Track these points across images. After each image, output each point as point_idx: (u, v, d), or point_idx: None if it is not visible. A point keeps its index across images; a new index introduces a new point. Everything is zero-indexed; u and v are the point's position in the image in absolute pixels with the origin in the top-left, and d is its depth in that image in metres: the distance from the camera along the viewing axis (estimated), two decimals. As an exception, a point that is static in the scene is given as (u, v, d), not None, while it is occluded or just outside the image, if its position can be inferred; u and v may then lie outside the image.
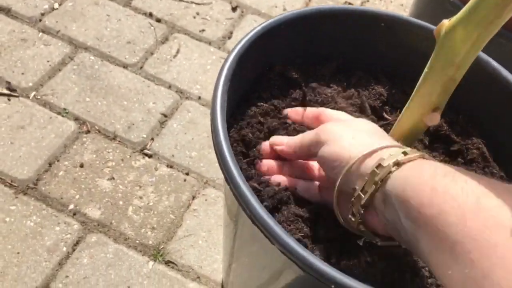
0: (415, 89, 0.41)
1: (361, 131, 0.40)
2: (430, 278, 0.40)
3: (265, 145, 0.47)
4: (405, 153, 0.35)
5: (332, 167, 0.39)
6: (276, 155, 0.47)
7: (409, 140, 0.45)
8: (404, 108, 0.43)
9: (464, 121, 0.56)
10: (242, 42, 0.48)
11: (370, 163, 0.36)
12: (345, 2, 1.30)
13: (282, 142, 0.46)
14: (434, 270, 0.30)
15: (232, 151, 0.39)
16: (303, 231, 0.42)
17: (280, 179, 0.45)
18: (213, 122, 0.41)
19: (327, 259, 0.40)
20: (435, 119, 0.40)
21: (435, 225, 0.29)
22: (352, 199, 0.37)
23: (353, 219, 0.38)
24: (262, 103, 0.51)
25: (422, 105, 0.40)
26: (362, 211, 0.36)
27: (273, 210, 0.42)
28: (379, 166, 0.35)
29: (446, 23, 0.36)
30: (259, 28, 0.50)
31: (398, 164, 0.34)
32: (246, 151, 0.47)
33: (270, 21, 0.52)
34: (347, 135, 0.39)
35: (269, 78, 0.54)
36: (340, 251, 0.41)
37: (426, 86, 0.39)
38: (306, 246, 0.40)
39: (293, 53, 0.56)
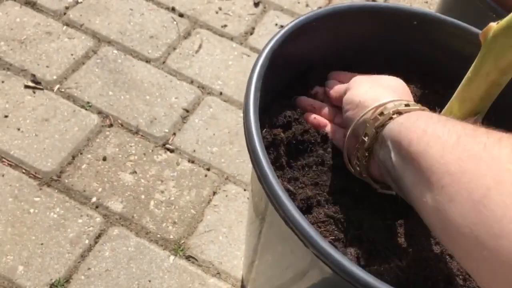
0: (456, 92, 0.40)
1: (381, 85, 0.44)
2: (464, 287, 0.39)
3: (320, 88, 0.53)
4: (407, 105, 0.38)
5: (345, 110, 0.44)
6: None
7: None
8: (442, 112, 0.42)
9: (496, 121, 0.54)
10: (275, 39, 0.47)
11: (376, 112, 0.40)
12: (369, -1, 1.28)
13: (332, 86, 0.51)
14: (414, 203, 0.33)
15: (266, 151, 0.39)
16: (334, 234, 0.41)
17: (316, 119, 0.49)
18: (246, 121, 0.40)
19: (357, 261, 0.40)
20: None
21: (419, 159, 0.31)
22: (357, 145, 0.41)
23: (358, 163, 0.41)
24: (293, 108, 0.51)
25: (463, 110, 0.39)
26: (367, 154, 0.40)
27: (304, 211, 0.42)
28: (381, 113, 0.39)
29: (494, 26, 0.35)
30: (291, 24, 0.49)
31: (398, 112, 0.37)
32: (274, 152, 0.47)
33: (302, 17, 0.51)
34: (366, 85, 0.44)
35: (303, 78, 0.53)
36: (370, 254, 0.41)
37: (469, 90, 0.38)
38: (337, 248, 0.40)
39: (325, 51, 0.55)
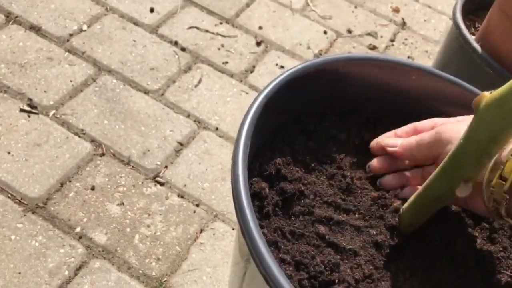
0: (446, 158, 0.39)
1: None
2: None
3: (374, 144, 0.49)
4: None
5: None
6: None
7: (433, 208, 0.44)
8: (432, 176, 0.41)
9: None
10: (270, 87, 0.47)
11: (504, 153, 0.37)
12: (370, 45, 1.30)
13: (396, 143, 0.47)
14: None
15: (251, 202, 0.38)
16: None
17: (399, 181, 0.46)
18: (234, 171, 0.40)
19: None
20: (466, 191, 0.39)
21: None
22: (491, 188, 0.38)
23: (497, 206, 0.39)
24: (283, 158, 0.50)
25: (453, 176, 0.38)
26: (507, 197, 0.38)
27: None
28: None
29: (486, 95, 0.35)
30: (287, 73, 0.49)
31: None
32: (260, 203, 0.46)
33: (298, 66, 0.51)
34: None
35: (292, 129, 0.53)
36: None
37: (460, 157, 0.37)
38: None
39: (320, 100, 0.55)
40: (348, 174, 0.51)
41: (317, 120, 0.56)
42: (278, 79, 0.48)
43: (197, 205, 0.89)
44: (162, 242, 0.83)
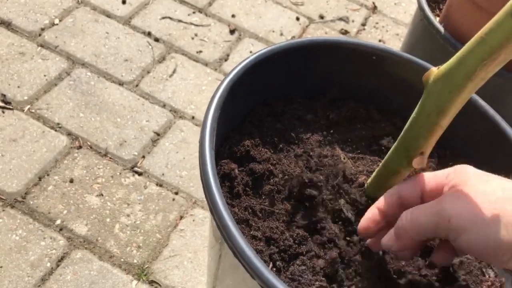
0: (402, 132, 0.41)
1: (500, 198, 0.32)
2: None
3: (363, 231, 0.41)
4: None
5: (496, 257, 0.32)
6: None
7: (394, 181, 0.46)
8: (391, 149, 0.44)
9: (452, 156, 0.57)
10: (235, 71, 0.49)
11: None
12: (341, 29, 1.32)
13: (390, 244, 0.38)
14: None
15: (219, 182, 0.40)
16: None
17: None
18: (201, 152, 0.41)
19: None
20: (421, 163, 0.41)
21: None
22: None
23: None
24: (251, 140, 0.52)
25: (409, 149, 0.41)
26: None
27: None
28: None
29: (434, 71, 0.37)
30: (252, 57, 0.51)
31: None
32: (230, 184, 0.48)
33: (263, 50, 0.53)
34: (491, 211, 0.31)
35: (260, 112, 0.55)
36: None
37: (413, 130, 0.39)
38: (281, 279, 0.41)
39: (287, 83, 0.57)
40: (315, 153, 0.53)
41: (284, 102, 0.57)
42: (242, 63, 0.50)
43: (176, 193, 0.90)
44: (142, 230, 0.84)
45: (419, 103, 0.39)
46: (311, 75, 0.59)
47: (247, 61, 0.51)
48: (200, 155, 0.41)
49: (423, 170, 0.54)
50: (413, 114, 0.40)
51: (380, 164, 0.47)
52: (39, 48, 1.07)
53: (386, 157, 0.45)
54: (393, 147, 0.44)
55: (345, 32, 1.31)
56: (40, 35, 1.10)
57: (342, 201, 0.48)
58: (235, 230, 0.36)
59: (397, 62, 0.56)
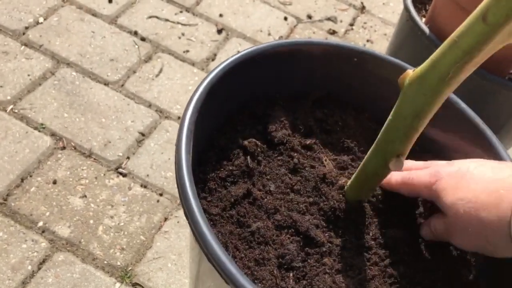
0: (379, 134, 0.41)
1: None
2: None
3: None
4: None
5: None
6: None
7: (373, 183, 0.46)
8: (369, 152, 0.43)
9: (433, 158, 0.56)
10: (213, 73, 0.48)
11: None
12: (329, 29, 1.32)
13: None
14: None
15: (194, 185, 0.39)
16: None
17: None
18: (178, 155, 0.41)
19: None
20: (398, 165, 0.41)
21: None
22: None
23: None
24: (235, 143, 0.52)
25: (386, 151, 0.40)
26: None
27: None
28: None
29: (410, 73, 0.36)
30: (231, 59, 0.51)
31: None
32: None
33: (243, 52, 0.52)
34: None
35: (242, 115, 0.54)
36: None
37: (390, 133, 0.39)
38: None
39: (269, 85, 0.56)
40: (296, 154, 0.52)
41: (266, 104, 0.57)
42: (221, 65, 0.49)
43: (161, 194, 0.89)
44: (126, 232, 0.84)
45: (395, 105, 0.39)
46: (293, 77, 0.58)
47: (226, 63, 0.50)
48: (176, 159, 0.41)
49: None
50: (390, 117, 0.40)
51: (359, 166, 0.46)
52: (23, 47, 1.06)
53: (364, 159, 0.45)
54: (371, 149, 0.44)
55: (333, 32, 1.31)
56: (24, 34, 1.09)
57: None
58: (210, 236, 0.36)
59: (377, 63, 0.56)
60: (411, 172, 0.46)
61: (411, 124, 0.38)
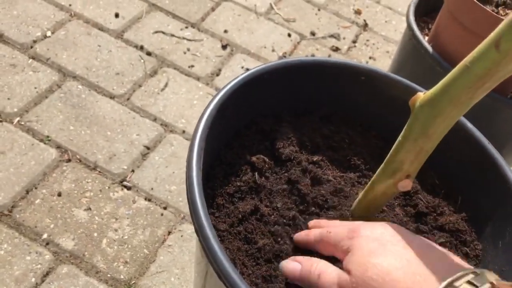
0: (388, 154, 0.42)
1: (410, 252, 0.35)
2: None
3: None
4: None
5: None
6: None
7: (380, 202, 0.46)
8: (377, 172, 0.44)
9: (440, 179, 0.57)
10: (224, 90, 0.49)
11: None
12: (332, 46, 1.34)
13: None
14: None
15: (205, 202, 0.40)
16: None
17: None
18: (189, 171, 0.41)
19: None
20: (407, 186, 0.41)
21: None
22: None
23: None
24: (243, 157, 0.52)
25: (395, 172, 0.41)
26: None
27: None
28: None
29: (421, 95, 0.37)
30: (241, 77, 0.51)
31: None
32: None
33: (252, 70, 0.53)
34: (390, 255, 0.35)
35: (250, 131, 0.55)
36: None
37: (399, 154, 0.40)
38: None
39: (276, 102, 0.57)
40: (302, 172, 0.53)
41: (273, 121, 0.58)
42: (231, 83, 0.50)
43: (165, 208, 0.90)
44: (130, 246, 0.84)
45: (405, 127, 0.40)
46: (301, 94, 0.59)
47: (236, 80, 0.51)
48: (187, 176, 0.41)
49: (409, 192, 0.54)
50: (400, 138, 0.40)
51: (367, 185, 0.47)
52: (31, 60, 1.07)
53: (373, 178, 0.46)
54: (380, 168, 0.44)
55: (336, 49, 1.33)
56: (32, 47, 1.10)
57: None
58: (221, 253, 0.36)
59: (385, 82, 0.57)
60: (330, 227, 0.43)
61: (420, 146, 0.38)
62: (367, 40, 1.39)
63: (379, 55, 1.36)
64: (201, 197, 0.40)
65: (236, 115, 0.54)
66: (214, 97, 0.48)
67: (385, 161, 0.43)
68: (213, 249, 0.37)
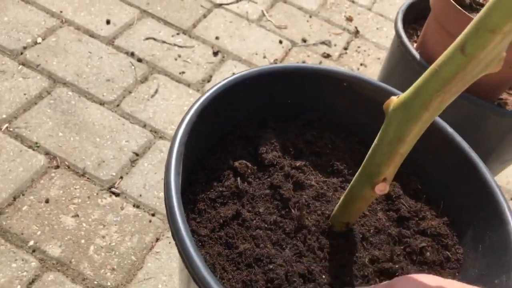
0: (366, 158, 0.42)
1: None
2: None
3: None
4: None
5: None
6: None
7: (360, 206, 0.47)
8: (356, 176, 0.44)
9: (419, 182, 0.57)
10: (205, 96, 0.49)
11: None
12: (324, 53, 1.34)
13: None
14: None
15: (182, 206, 0.40)
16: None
17: None
18: (167, 176, 0.41)
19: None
20: (384, 189, 0.42)
21: None
22: None
23: None
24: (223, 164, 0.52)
25: (371, 175, 0.41)
26: None
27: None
28: None
29: (394, 100, 0.38)
30: (222, 83, 0.52)
31: None
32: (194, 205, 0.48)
33: (234, 76, 0.53)
34: None
35: (234, 136, 0.55)
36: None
37: (375, 157, 0.40)
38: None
39: (260, 108, 0.57)
40: (285, 178, 0.53)
41: (257, 126, 0.58)
42: (212, 89, 0.51)
43: (153, 215, 0.89)
44: (117, 253, 0.83)
45: (380, 131, 0.40)
46: (284, 100, 0.59)
47: (217, 86, 0.51)
48: (165, 181, 0.41)
49: (387, 195, 0.55)
50: (375, 141, 0.41)
51: (347, 189, 0.47)
52: (20, 66, 1.07)
53: (351, 183, 0.46)
54: (357, 172, 0.45)
55: (327, 56, 1.33)
56: (22, 53, 1.10)
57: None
58: (196, 256, 0.36)
59: (366, 88, 0.58)
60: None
61: (395, 149, 0.38)
62: (358, 47, 1.40)
63: (370, 62, 1.37)
64: (178, 201, 0.40)
65: (219, 120, 0.54)
66: (195, 102, 0.49)
67: (362, 165, 0.43)
68: (188, 252, 0.36)
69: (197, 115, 0.48)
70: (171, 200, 0.40)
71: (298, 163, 0.56)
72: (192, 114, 0.47)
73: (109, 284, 0.79)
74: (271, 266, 0.45)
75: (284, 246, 0.48)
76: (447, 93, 0.32)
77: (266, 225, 0.49)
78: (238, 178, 0.52)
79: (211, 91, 0.51)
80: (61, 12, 1.22)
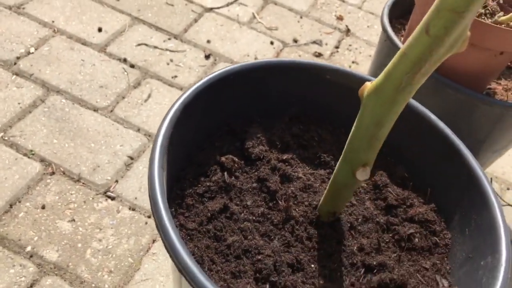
0: (346, 144, 0.43)
1: None
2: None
3: None
4: None
5: None
6: None
7: (345, 195, 0.47)
8: (338, 164, 0.45)
9: (405, 170, 0.58)
10: (188, 92, 0.50)
11: None
12: (315, 52, 1.35)
13: None
14: None
15: (166, 199, 0.41)
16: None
17: None
18: (150, 170, 0.42)
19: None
20: (365, 175, 0.42)
21: None
22: None
23: None
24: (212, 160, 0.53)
25: (351, 161, 0.42)
26: None
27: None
28: None
29: (368, 85, 0.38)
30: (206, 78, 0.53)
31: None
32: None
33: (217, 72, 0.54)
34: None
35: (221, 131, 0.56)
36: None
37: (354, 143, 0.41)
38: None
39: (246, 103, 0.58)
40: (273, 171, 0.54)
41: (244, 122, 0.59)
42: (195, 85, 0.51)
43: (149, 217, 0.90)
44: (114, 255, 0.84)
45: (357, 117, 0.41)
46: (270, 95, 0.60)
47: (200, 82, 0.52)
48: (149, 175, 0.42)
49: (374, 184, 0.55)
50: (353, 128, 0.41)
51: (331, 179, 0.48)
52: (14, 76, 1.09)
53: (334, 172, 0.46)
54: (339, 161, 0.45)
55: (318, 55, 1.34)
56: (15, 63, 1.11)
57: None
58: (180, 247, 0.37)
59: (348, 79, 0.58)
60: None
61: (372, 134, 0.39)
62: (350, 45, 1.41)
63: (362, 59, 1.38)
64: (162, 194, 0.40)
65: (205, 116, 0.55)
66: (178, 98, 0.49)
67: (342, 153, 0.44)
68: (172, 242, 0.37)
69: (181, 111, 0.49)
70: (154, 193, 0.40)
71: (285, 156, 0.56)
72: (176, 110, 0.48)
73: (106, 286, 0.80)
74: (259, 257, 0.46)
75: (272, 237, 0.48)
76: (416, 73, 0.33)
77: (254, 218, 0.50)
78: (225, 173, 0.53)
79: (194, 87, 0.52)
80: (53, 21, 1.23)
